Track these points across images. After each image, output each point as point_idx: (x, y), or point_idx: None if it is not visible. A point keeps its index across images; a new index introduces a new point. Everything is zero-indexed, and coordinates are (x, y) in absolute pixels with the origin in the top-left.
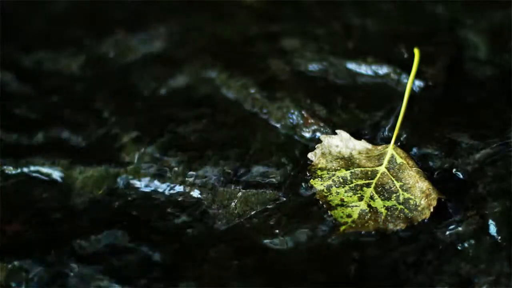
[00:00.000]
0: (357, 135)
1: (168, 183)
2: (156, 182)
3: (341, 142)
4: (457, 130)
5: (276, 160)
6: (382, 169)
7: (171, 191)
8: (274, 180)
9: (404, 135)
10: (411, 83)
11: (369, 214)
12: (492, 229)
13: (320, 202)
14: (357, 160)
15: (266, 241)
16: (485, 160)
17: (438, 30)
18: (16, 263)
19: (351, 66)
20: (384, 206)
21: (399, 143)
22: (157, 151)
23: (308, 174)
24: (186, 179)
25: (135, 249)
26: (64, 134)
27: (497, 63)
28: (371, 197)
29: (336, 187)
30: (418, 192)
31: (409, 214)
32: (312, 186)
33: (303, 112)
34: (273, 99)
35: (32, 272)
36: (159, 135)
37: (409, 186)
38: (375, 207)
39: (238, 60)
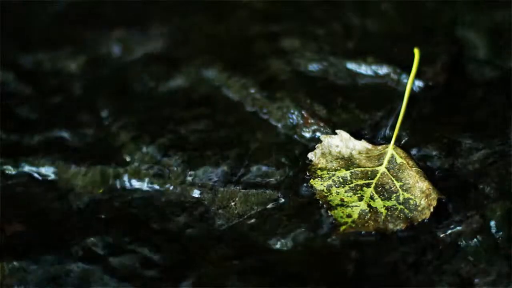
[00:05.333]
0: (357, 135)
1: (168, 183)
2: (156, 182)
3: (341, 142)
4: (457, 130)
5: (276, 160)
6: (382, 169)
7: (171, 191)
8: (274, 180)
9: (404, 135)
10: (411, 83)
11: (369, 214)
12: (492, 229)
13: (320, 202)
14: (357, 160)
15: (266, 241)
16: (485, 160)
17: (438, 30)
18: (16, 263)
19: (351, 66)
20: (384, 206)
21: (399, 143)
22: (157, 151)
23: (308, 174)
24: (186, 179)
25: (135, 249)
26: (64, 134)
27: (497, 63)
28: (371, 197)
29: (336, 187)
30: (418, 192)
31: (409, 214)
32: (312, 186)
33: (303, 112)
34: (273, 99)
35: (32, 272)
36: (159, 135)
37: (409, 186)
38: (375, 207)
39: (238, 60)
